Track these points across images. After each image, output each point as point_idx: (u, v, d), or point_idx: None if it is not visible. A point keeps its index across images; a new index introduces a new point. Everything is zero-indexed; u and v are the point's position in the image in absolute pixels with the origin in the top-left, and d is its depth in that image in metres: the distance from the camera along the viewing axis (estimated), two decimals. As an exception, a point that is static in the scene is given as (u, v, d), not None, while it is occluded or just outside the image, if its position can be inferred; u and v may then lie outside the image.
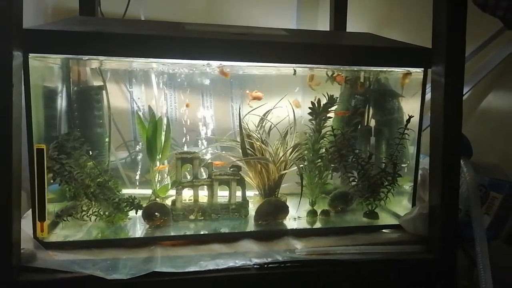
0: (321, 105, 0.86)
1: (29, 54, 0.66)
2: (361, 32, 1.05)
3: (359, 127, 0.98)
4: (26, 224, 0.71)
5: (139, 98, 1.06)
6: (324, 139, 0.88)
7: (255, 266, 0.69)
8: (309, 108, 0.87)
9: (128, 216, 0.81)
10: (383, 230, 0.84)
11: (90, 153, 0.80)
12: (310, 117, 0.88)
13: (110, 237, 0.76)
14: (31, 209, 0.71)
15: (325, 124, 0.88)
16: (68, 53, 0.70)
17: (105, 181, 0.79)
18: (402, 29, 1.21)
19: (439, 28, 0.73)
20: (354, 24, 1.15)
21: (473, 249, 0.72)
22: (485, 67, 1.06)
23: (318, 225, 0.87)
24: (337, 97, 0.88)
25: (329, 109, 0.88)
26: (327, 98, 0.87)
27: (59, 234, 0.75)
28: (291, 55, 0.74)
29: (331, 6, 1.10)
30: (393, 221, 0.87)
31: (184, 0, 1.24)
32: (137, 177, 1.00)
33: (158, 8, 1.22)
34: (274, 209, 0.85)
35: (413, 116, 0.83)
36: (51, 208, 0.76)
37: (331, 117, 0.89)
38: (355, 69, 0.84)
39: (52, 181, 0.74)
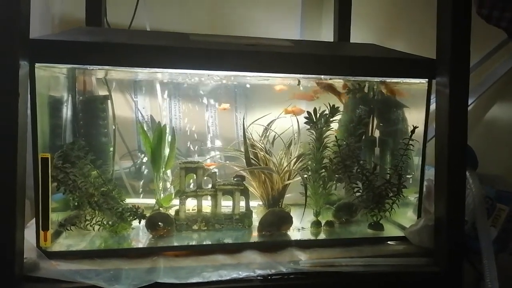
0: (318, 115, 0.86)
1: (36, 63, 0.66)
2: (365, 43, 1.05)
3: (363, 137, 0.98)
4: (29, 234, 0.70)
5: (143, 108, 1.06)
6: (328, 149, 0.88)
7: (259, 278, 0.68)
8: (305, 117, 0.87)
9: (132, 226, 0.81)
10: (388, 242, 0.83)
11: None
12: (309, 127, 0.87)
13: (113, 247, 0.76)
14: (34, 219, 0.71)
15: (327, 134, 0.88)
16: (74, 63, 0.70)
17: (109, 190, 0.79)
18: (405, 39, 1.22)
19: (444, 39, 0.73)
20: (358, 34, 1.16)
21: (479, 262, 0.71)
22: (489, 78, 1.05)
23: (322, 236, 0.86)
24: (338, 107, 0.88)
25: (331, 119, 0.87)
26: (329, 108, 0.87)
27: (62, 244, 0.75)
28: (296, 65, 0.74)
29: (335, 17, 1.11)
30: (398, 232, 0.87)
31: (189, 11, 1.25)
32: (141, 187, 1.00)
33: (164, 18, 1.23)
34: (278, 219, 0.84)
35: (417, 127, 0.82)
36: (55, 217, 0.76)
37: (332, 128, 0.89)
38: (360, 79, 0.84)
39: (56, 190, 0.74)
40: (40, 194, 0.69)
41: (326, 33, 1.27)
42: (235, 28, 1.26)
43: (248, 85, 0.98)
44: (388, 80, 0.86)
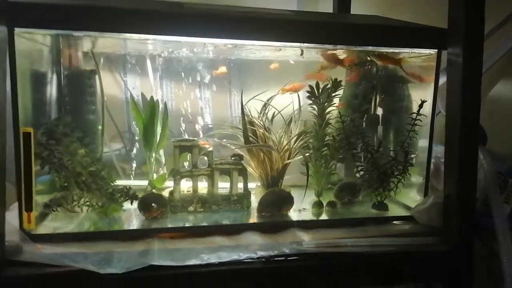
0: (320, 89, 0.82)
1: (15, 28, 0.60)
2: (369, 15, 1.00)
3: (366, 115, 0.94)
4: (11, 216, 0.65)
5: (133, 88, 1.00)
6: (330, 125, 0.83)
7: (260, 259, 0.64)
8: (307, 92, 0.82)
9: (123, 208, 0.76)
10: (394, 222, 0.80)
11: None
12: (310, 102, 0.83)
13: (103, 229, 0.71)
14: (17, 201, 0.65)
15: (329, 110, 0.83)
16: (58, 27, 0.64)
17: (97, 170, 0.74)
18: (408, 13, 1.17)
19: (457, 6, 0.68)
20: (358, 8, 1.10)
21: (490, 239, 0.68)
22: (495, 54, 1.02)
23: (324, 217, 0.82)
24: (341, 81, 0.83)
25: (333, 94, 0.83)
26: (331, 82, 0.82)
27: (48, 226, 0.70)
28: (300, 33, 0.69)
29: (334, -13, 1.05)
30: (403, 212, 0.83)
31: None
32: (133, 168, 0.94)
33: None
34: (278, 199, 0.80)
35: (425, 101, 0.78)
36: (40, 200, 0.70)
37: (335, 103, 0.84)
38: (369, 49, 0.79)
39: (40, 168, 0.69)
40: (22, 171, 0.63)
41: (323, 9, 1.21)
42: (228, 3, 1.19)
43: (245, 59, 0.92)
44: (397, 51, 0.81)
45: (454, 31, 0.69)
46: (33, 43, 0.73)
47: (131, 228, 0.73)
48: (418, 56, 0.84)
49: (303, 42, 0.71)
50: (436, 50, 0.76)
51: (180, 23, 0.65)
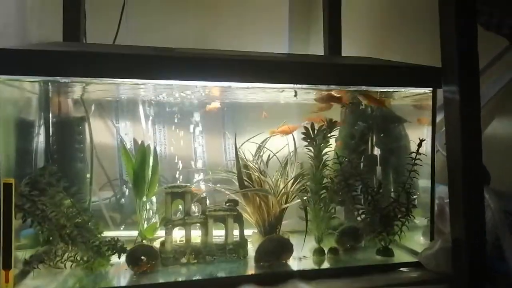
0: (315, 130, 0.80)
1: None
2: (360, 56, 1.00)
3: (363, 156, 0.91)
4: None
5: (126, 134, 0.98)
6: (327, 167, 0.81)
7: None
8: (302, 133, 0.80)
9: (110, 262, 0.71)
10: (401, 269, 0.75)
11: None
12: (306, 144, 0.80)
13: (88, 287, 0.65)
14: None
15: (325, 151, 0.81)
16: (43, 74, 0.62)
17: (84, 221, 0.70)
18: (397, 55, 1.18)
19: (449, 44, 0.68)
20: (347, 51, 1.12)
21: (504, 283, 0.63)
22: (490, 90, 1.01)
23: (326, 265, 0.77)
24: (336, 121, 0.82)
25: (328, 135, 0.81)
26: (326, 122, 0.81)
27: (28, 285, 0.65)
28: (293, 74, 0.68)
29: (324, 30, 1.05)
30: (409, 258, 0.79)
31: (172, 30, 1.20)
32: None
33: (146, 40, 1.17)
34: (277, 247, 0.75)
35: (424, 140, 0.76)
36: (21, 255, 0.65)
37: (331, 144, 0.82)
38: (363, 89, 0.78)
39: (22, 221, 0.64)
40: (1, 225, 0.59)
41: (315, 51, 1.23)
42: (220, 47, 1.21)
43: (239, 101, 0.92)
44: (391, 90, 0.81)
45: (448, 69, 0.69)
46: (20, 90, 0.71)
47: (119, 285, 0.67)
48: (412, 96, 0.83)
49: (299, 84, 0.70)
50: (431, 89, 0.76)
51: (171, 67, 0.64)
